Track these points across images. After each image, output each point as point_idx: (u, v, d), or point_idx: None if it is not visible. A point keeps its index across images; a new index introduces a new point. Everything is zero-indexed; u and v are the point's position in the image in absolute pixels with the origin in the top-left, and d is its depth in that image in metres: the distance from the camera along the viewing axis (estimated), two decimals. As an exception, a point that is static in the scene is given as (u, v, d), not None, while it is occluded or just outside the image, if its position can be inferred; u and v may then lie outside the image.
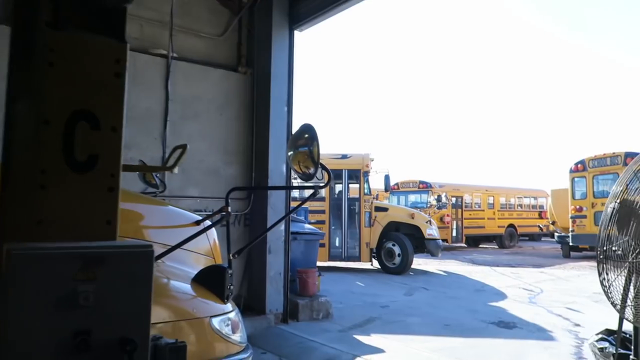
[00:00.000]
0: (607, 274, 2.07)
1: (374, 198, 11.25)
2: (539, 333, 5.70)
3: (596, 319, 6.48)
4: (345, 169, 11.06)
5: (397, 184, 20.16)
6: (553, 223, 17.52)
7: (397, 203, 20.10)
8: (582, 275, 11.32)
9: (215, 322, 1.75)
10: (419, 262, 13.79)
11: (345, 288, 8.82)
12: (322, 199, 11.10)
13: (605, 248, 2.05)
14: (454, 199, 19.50)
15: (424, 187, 19.00)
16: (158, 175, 3.52)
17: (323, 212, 10.93)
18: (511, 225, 22.33)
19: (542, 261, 15.40)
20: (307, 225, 7.35)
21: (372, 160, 11.35)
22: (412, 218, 10.92)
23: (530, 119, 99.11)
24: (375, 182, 11.87)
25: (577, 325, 6.16)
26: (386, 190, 10.98)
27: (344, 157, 11.19)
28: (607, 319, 6.92)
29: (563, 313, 6.92)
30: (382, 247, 10.97)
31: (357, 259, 10.93)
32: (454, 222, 19.62)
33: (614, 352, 2.32)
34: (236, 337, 1.86)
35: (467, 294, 8.62)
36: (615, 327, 6.32)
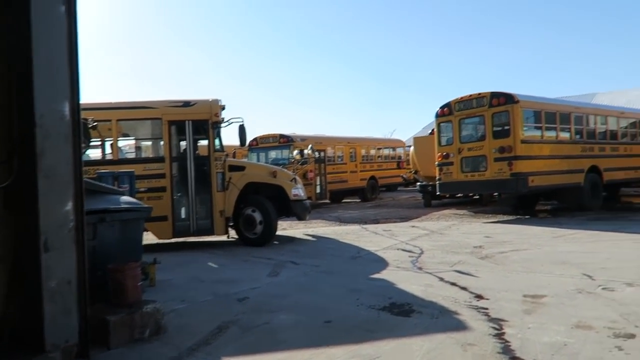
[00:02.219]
0: None
1: (227, 156, 9.18)
2: (445, 319, 4.36)
3: (494, 285, 5.43)
4: (189, 120, 8.75)
5: (255, 139, 18.27)
6: (415, 172, 17.25)
7: (257, 161, 18.28)
8: (453, 226, 10.75)
9: None
10: (284, 226, 12.25)
11: (193, 275, 6.80)
12: (160, 160, 8.70)
13: None
14: (316, 153, 18.28)
15: (285, 141, 17.37)
16: None
17: (162, 176, 8.57)
18: (372, 178, 22.05)
19: (407, 212, 14.98)
20: (125, 198, 5.08)
21: (223, 109, 9.21)
22: (274, 177, 9.13)
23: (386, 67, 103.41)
24: (230, 138, 9.69)
25: (479, 297, 5.00)
26: (242, 144, 8.98)
27: (187, 104, 8.86)
28: (504, 282, 6.00)
29: (456, 280, 5.79)
30: (240, 215, 9.07)
31: (210, 231, 8.88)
32: (318, 178, 18.47)
33: None
34: None
35: (343, 264, 7.21)
36: (521, 290, 5.30)
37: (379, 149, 23.38)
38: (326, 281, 6.13)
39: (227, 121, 8.89)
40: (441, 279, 5.89)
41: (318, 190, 18.66)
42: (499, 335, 3.84)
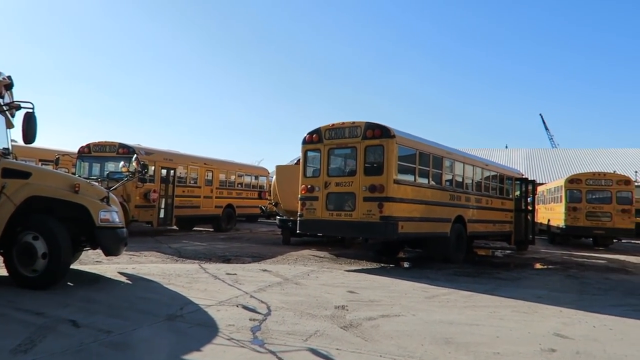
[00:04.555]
0: None
1: (10, 155, 6.32)
2: None
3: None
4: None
5: (87, 146, 14.98)
6: (276, 205, 15.42)
7: (89, 173, 14.98)
8: (312, 274, 8.97)
9: None
10: (100, 258, 9.41)
11: None
12: None
13: None
14: (164, 171, 15.60)
15: (125, 152, 14.37)
16: None
17: None
18: (229, 206, 19.82)
19: (262, 249, 12.99)
20: None
21: (9, 88, 6.39)
22: (76, 192, 6.48)
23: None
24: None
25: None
26: (26, 140, 6.15)
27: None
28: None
29: (311, 370, 3.87)
30: (16, 242, 6.23)
31: (-43, 263, 5.88)
32: (163, 200, 15.71)
33: None
34: None
35: (151, 329, 4.87)
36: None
37: (240, 175, 21.27)
38: (105, 368, 3.77)
39: (7, 105, 6.11)
40: (289, 369, 3.91)
41: (162, 215, 15.86)
42: None
